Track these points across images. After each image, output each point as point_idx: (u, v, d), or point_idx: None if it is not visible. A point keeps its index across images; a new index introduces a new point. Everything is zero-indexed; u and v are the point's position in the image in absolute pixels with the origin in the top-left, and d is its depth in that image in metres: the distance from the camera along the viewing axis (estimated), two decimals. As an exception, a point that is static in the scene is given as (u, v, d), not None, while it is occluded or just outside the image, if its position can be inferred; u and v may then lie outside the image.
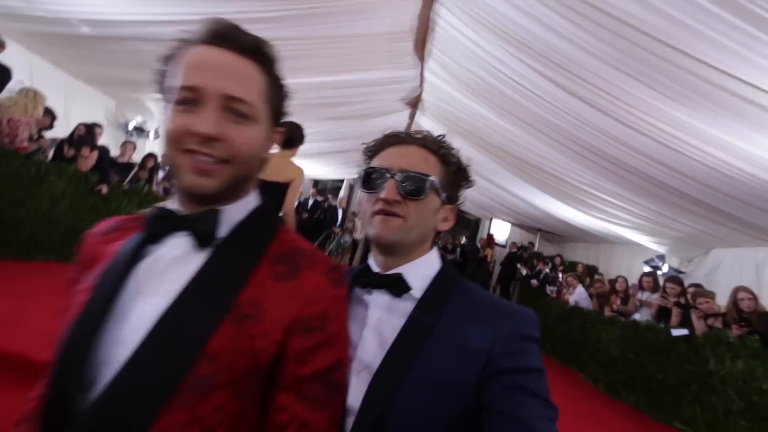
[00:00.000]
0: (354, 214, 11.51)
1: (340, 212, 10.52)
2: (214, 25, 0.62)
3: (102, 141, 5.55)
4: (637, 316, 5.37)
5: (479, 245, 10.53)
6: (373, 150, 0.85)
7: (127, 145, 5.85)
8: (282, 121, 0.72)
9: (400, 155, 0.80)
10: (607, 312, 5.84)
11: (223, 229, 0.64)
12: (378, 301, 0.77)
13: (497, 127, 6.32)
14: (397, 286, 0.76)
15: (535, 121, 5.50)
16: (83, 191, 4.80)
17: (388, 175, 0.77)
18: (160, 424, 0.50)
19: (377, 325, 0.74)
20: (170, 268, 0.61)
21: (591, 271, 8.26)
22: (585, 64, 3.96)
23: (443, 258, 0.84)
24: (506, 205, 9.62)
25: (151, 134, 7.46)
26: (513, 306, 0.75)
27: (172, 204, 0.68)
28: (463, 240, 11.40)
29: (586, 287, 6.98)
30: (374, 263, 0.82)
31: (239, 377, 0.56)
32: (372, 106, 7.15)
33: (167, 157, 0.63)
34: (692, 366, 4.02)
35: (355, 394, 0.68)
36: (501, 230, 11.51)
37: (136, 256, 0.62)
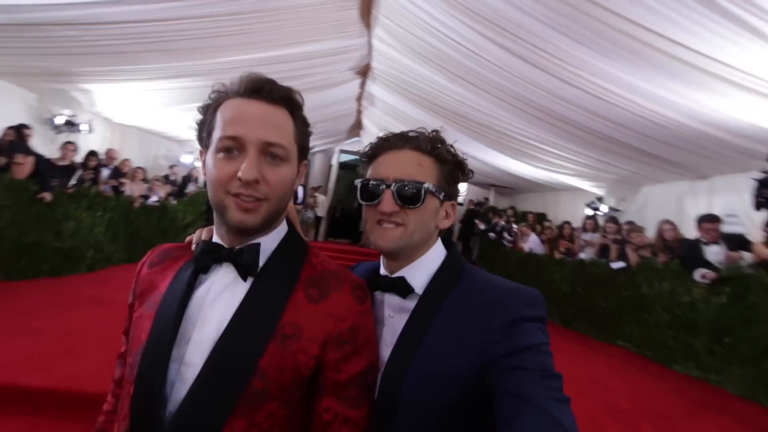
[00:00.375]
0: (314, 189, 11.45)
1: (300, 190, 10.44)
2: (251, 80, 0.70)
3: (31, 141, 5.08)
4: (582, 255, 6.01)
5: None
6: (369, 156, 0.86)
7: (68, 146, 5.37)
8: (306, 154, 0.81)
9: (394, 164, 0.81)
10: (557, 255, 6.46)
11: (261, 259, 0.73)
12: (390, 301, 0.82)
13: (447, 91, 6.48)
14: (402, 289, 0.80)
15: (482, 82, 5.71)
16: (24, 202, 4.45)
17: (383, 186, 0.79)
18: (227, 428, 0.62)
19: (392, 323, 0.80)
20: (220, 297, 0.71)
21: (540, 218, 8.97)
22: (525, 25, 4.16)
23: (450, 246, 0.87)
24: (460, 164, 9.98)
25: (84, 128, 6.81)
26: (509, 290, 0.76)
27: (215, 237, 0.77)
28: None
29: (538, 234, 7.61)
30: (382, 266, 0.87)
31: (286, 388, 0.66)
32: (322, 78, 7.00)
33: (214, 198, 0.69)
34: (629, 292, 4.66)
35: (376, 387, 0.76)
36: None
37: (190, 286, 0.72)
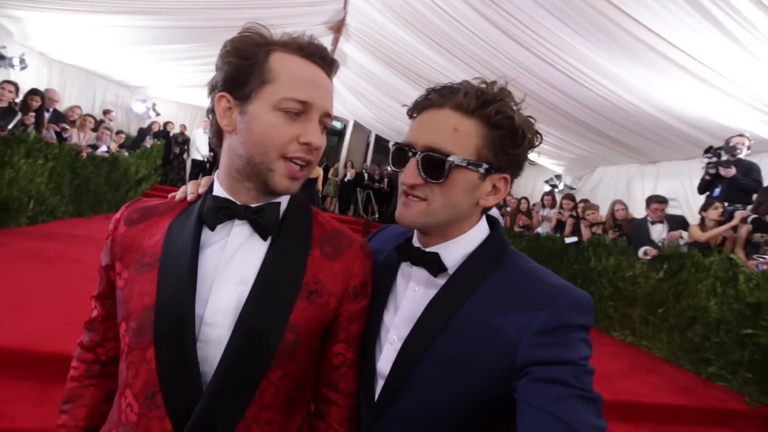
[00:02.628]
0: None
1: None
2: (315, 44, 0.68)
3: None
4: (540, 230, 6.35)
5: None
6: (412, 110, 0.75)
7: (5, 86, 4.64)
8: None
9: (426, 126, 0.70)
10: (516, 229, 6.79)
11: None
12: (417, 275, 0.75)
13: (422, 56, 6.33)
14: (434, 266, 0.72)
15: (459, 50, 5.63)
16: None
17: (410, 154, 0.70)
18: (266, 380, 0.66)
19: (415, 298, 0.74)
20: (236, 255, 0.69)
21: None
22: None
23: (492, 226, 0.77)
24: (429, 133, 9.98)
25: (16, 62, 6.00)
26: (558, 288, 0.65)
27: (219, 190, 0.73)
28: (389, 169, 11.77)
29: (498, 207, 7.91)
30: (416, 237, 0.79)
31: (311, 337, 0.71)
32: (291, 30, 6.53)
33: (258, 157, 0.65)
34: (579, 265, 5.03)
35: (388, 360, 0.72)
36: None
37: (196, 243, 0.68)
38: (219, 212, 0.69)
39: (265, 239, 0.70)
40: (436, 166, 0.67)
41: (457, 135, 0.67)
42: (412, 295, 0.75)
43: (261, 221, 0.69)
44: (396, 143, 0.73)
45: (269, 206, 0.70)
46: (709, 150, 4.45)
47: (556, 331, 0.62)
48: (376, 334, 0.76)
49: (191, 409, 0.62)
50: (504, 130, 0.67)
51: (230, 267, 0.68)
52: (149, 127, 8.99)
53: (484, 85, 0.69)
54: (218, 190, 0.73)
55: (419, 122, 0.72)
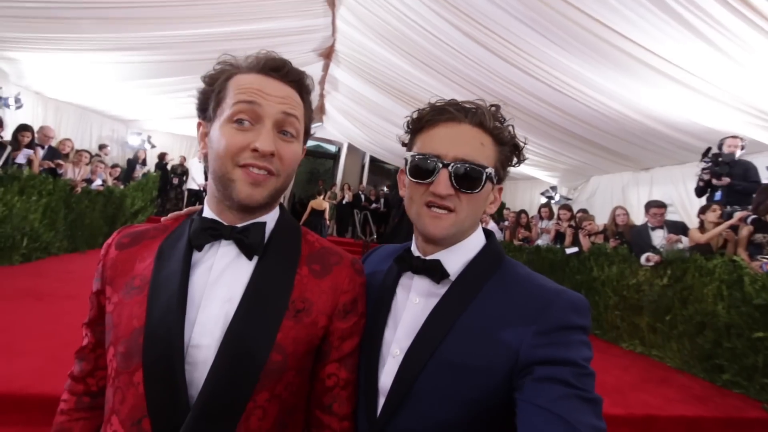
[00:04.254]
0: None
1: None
2: (269, 58, 0.70)
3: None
4: (539, 242, 6.31)
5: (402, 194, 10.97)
6: (419, 125, 0.76)
7: None
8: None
9: (454, 140, 0.71)
10: (516, 242, 6.74)
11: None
12: (418, 285, 0.76)
13: (409, 76, 6.45)
14: (436, 273, 0.73)
15: (444, 68, 5.74)
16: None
17: (440, 165, 0.70)
18: (252, 402, 0.64)
19: (416, 310, 0.74)
20: (223, 275, 0.69)
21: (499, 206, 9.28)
22: (490, 13, 4.20)
23: (488, 236, 0.80)
24: (423, 152, 10.07)
25: (11, 102, 6.07)
26: (555, 292, 0.68)
27: (207, 212, 0.73)
28: (385, 189, 11.80)
29: (496, 223, 7.89)
30: (415, 247, 0.80)
31: (300, 358, 0.69)
32: (261, 52, 6.70)
33: (219, 170, 0.66)
34: (581, 275, 4.96)
35: (390, 374, 0.71)
36: (419, 177, 12.09)
37: (187, 265, 0.68)
38: (205, 232, 0.70)
39: (250, 259, 0.70)
40: (470, 177, 0.70)
41: (483, 149, 0.72)
42: (412, 307, 0.75)
43: (246, 240, 0.69)
44: (420, 154, 0.73)
45: (254, 226, 0.71)
46: (706, 153, 4.46)
47: (556, 332, 0.63)
48: (378, 351, 0.75)
49: None
50: (508, 146, 0.75)
51: (217, 287, 0.68)
52: (135, 156, 9.03)
53: (488, 105, 0.75)
54: (206, 212, 0.74)
55: (441, 134, 0.73)
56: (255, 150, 0.65)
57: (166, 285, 0.66)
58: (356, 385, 0.77)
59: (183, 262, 0.68)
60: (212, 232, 0.69)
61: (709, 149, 4.45)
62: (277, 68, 0.70)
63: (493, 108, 0.74)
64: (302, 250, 0.76)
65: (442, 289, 0.74)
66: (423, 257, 0.76)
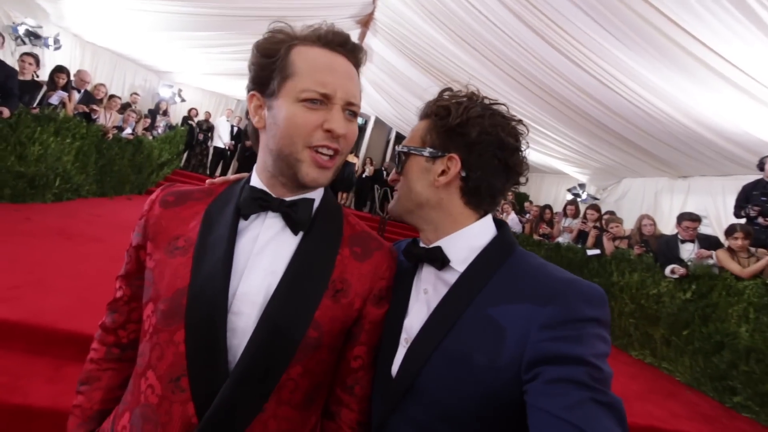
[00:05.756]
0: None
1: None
2: (334, 32, 0.69)
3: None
4: (560, 240, 6.17)
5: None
6: None
7: (25, 58, 4.69)
8: None
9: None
10: (536, 236, 6.62)
11: None
12: (426, 276, 0.77)
13: (450, 55, 6.22)
14: (437, 259, 0.74)
15: (489, 50, 5.50)
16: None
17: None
18: (286, 374, 0.66)
19: (425, 299, 0.75)
20: (267, 247, 0.70)
21: (521, 198, 9.09)
22: (544, -4, 3.96)
23: (500, 227, 0.79)
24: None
25: (51, 42, 6.15)
26: (566, 281, 0.63)
27: (256, 181, 0.74)
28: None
29: (517, 213, 7.74)
30: (421, 238, 0.83)
31: (334, 337, 0.71)
32: (318, 22, 6.53)
33: (286, 149, 0.66)
34: (600, 278, 4.85)
35: (399, 362, 0.72)
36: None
37: (233, 233, 0.69)
38: (254, 202, 0.70)
39: (296, 234, 0.71)
40: (399, 160, 0.81)
41: (413, 133, 0.81)
42: (423, 296, 0.76)
43: (294, 216, 0.70)
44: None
45: (303, 201, 0.72)
46: (762, 167, 4.20)
47: (566, 324, 0.58)
48: (395, 339, 0.76)
49: (214, 395, 0.62)
50: (437, 116, 0.76)
51: (261, 258, 0.69)
52: (157, 107, 9.07)
53: (444, 92, 0.80)
54: (255, 182, 0.74)
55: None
56: (328, 131, 0.66)
57: (212, 249, 0.67)
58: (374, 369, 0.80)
59: (230, 228, 0.69)
60: (261, 203, 0.70)
61: (763, 161, 4.19)
62: (343, 43, 0.69)
63: (445, 92, 0.80)
64: (344, 231, 0.77)
65: (447, 277, 0.74)
66: (426, 246, 0.78)
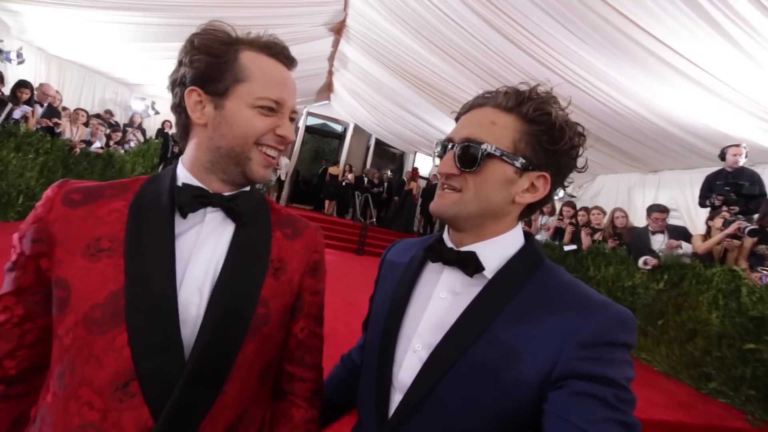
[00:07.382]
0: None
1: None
2: (282, 46, 0.75)
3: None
4: (538, 237, 6.25)
5: (405, 178, 10.90)
6: (456, 117, 0.77)
7: None
8: None
9: (466, 122, 0.71)
10: (515, 234, 6.68)
11: None
12: (448, 279, 0.72)
13: (422, 59, 6.29)
14: (470, 265, 0.68)
15: (459, 54, 5.58)
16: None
17: (449, 147, 0.71)
18: (241, 354, 0.69)
19: (443, 305, 0.70)
20: (208, 239, 0.73)
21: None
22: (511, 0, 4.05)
23: (527, 237, 0.75)
24: (429, 138, 9.94)
25: (13, 56, 5.96)
26: (600, 302, 0.62)
27: (188, 177, 0.75)
28: (389, 173, 11.70)
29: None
30: (448, 238, 0.75)
31: (280, 313, 0.75)
32: (291, 30, 6.53)
33: (236, 147, 0.71)
34: (577, 273, 4.91)
35: (409, 370, 0.67)
36: (425, 164, 11.99)
37: (171, 229, 0.70)
38: (195, 200, 0.71)
39: (240, 225, 0.75)
40: (471, 155, 0.67)
41: (494, 127, 0.67)
42: (440, 301, 0.71)
43: (237, 209, 0.74)
44: (438, 141, 0.75)
45: (243, 194, 0.77)
46: (723, 157, 4.36)
47: (601, 347, 0.58)
48: (394, 345, 0.72)
49: (170, 392, 0.62)
50: (542, 125, 0.66)
51: (203, 250, 0.71)
52: (131, 121, 8.91)
53: (525, 86, 0.69)
54: (187, 178, 0.74)
55: (461, 121, 0.74)
56: (280, 136, 0.74)
57: (148, 247, 0.67)
58: (322, 340, 0.85)
59: (167, 225, 0.69)
60: (202, 200, 0.72)
61: (724, 152, 4.33)
62: (288, 56, 0.76)
63: (526, 88, 0.68)
64: (272, 216, 0.82)
65: (476, 287, 0.69)
66: (456, 248, 0.72)
